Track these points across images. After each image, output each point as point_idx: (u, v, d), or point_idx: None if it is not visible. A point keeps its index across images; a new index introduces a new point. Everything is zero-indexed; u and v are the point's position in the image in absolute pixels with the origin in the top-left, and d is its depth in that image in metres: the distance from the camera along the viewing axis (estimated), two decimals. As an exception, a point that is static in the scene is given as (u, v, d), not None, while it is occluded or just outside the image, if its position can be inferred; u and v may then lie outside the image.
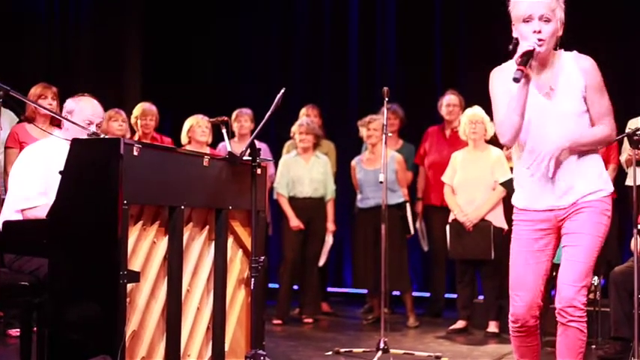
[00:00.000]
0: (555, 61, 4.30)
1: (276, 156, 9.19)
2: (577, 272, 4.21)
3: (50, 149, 5.30)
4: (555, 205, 4.29)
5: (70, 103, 5.53)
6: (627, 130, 6.71)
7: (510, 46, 4.31)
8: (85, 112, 5.43)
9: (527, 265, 4.33)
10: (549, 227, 4.34)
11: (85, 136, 5.14)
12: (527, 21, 4.21)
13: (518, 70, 4.08)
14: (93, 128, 5.35)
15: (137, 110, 8.54)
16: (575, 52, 4.36)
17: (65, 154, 5.18)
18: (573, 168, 4.28)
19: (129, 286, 4.52)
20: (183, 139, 8.39)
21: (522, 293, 4.33)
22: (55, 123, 7.09)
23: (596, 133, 4.29)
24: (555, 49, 4.31)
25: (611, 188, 4.35)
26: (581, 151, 4.27)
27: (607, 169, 7.84)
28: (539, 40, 4.18)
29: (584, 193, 4.27)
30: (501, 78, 4.33)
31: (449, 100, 8.83)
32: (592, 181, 4.29)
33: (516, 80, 4.08)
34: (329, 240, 8.85)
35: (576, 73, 4.28)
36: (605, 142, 4.45)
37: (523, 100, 4.20)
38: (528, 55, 4.13)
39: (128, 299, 4.55)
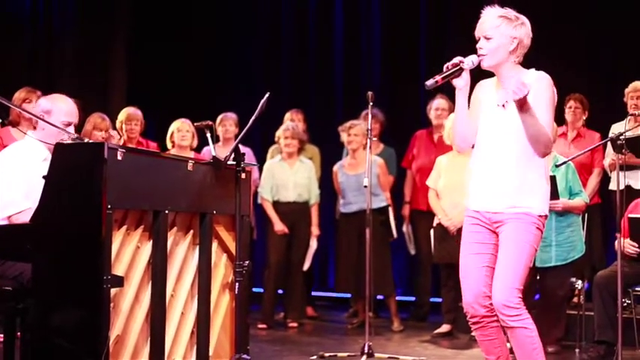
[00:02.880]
0: (514, 76, 4.48)
1: (261, 160, 9.18)
2: (508, 276, 4.43)
3: (27, 151, 5.25)
4: (492, 209, 4.54)
5: (45, 103, 5.40)
6: (611, 135, 6.76)
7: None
8: (62, 113, 5.33)
9: (467, 256, 4.62)
10: (487, 227, 4.58)
11: (66, 138, 5.11)
12: (477, 41, 4.57)
13: (433, 78, 4.47)
14: (71, 129, 5.31)
15: (122, 115, 8.48)
16: (541, 72, 4.58)
17: (41, 155, 5.16)
18: (520, 180, 4.50)
19: (113, 290, 4.50)
20: (168, 143, 8.40)
21: (467, 282, 4.59)
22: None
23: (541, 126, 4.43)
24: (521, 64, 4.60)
25: (546, 211, 4.57)
26: (529, 166, 4.50)
27: (591, 174, 8.03)
28: (479, 55, 4.53)
29: (521, 206, 4.49)
30: (476, 93, 4.70)
31: (438, 104, 8.78)
32: (532, 198, 4.52)
33: (425, 86, 4.47)
34: (313, 244, 8.85)
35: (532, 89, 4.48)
36: (543, 142, 4.44)
37: (459, 110, 4.60)
38: (454, 68, 4.49)
39: (112, 304, 4.54)
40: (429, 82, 4.43)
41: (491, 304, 4.50)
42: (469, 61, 4.51)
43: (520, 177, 4.48)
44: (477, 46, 4.55)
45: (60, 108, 5.36)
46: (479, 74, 4.67)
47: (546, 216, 4.58)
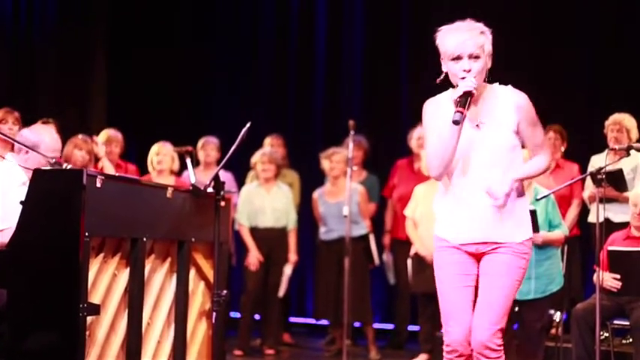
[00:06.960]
0: (487, 94, 4.31)
1: (241, 185, 9.14)
2: (494, 315, 4.20)
3: (4, 174, 5.20)
4: (480, 239, 4.27)
5: (30, 136, 5.36)
6: (590, 169, 6.76)
7: (438, 81, 4.34)
8: (49, 150, 5.29)
9: (457, 289, 4.27)
10: (470, 256, 4.30)
11: (48, 166, 5.08)
12: (457, 60, 4.23)
13: (457, 112, 4.09)
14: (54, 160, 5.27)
15: (102, 137, 8.40)
16: (509, 86, 4.36)
17: (20, 179, 5.13)
18: (507, 206, 4.24)
19: (89, 318, 4.48)
20: (149, 166, 8.37)
21: (457, 319, 4.26)
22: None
23: (536, 164, 4.36)
24: (486, 81, 4.30)
25: (531, 233, 4.36)
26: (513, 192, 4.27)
27: (571, 205, 8.03)
28: (470, 78, 4.17)
29: (511, 235, 4.27)
30: (434, 111, 4.34)
31: (420, 133, 8.73)
32: (517, 223, 4.30)
33: (456, 123, 4.08)
34: (287, 271, 8.79)
35: (510, 108, 4.28)
36: (545, 171, 4.48)
37: (457, 138, 4.19)
38: (467, 97, 4.12)
39: (88, 332, 4.51)
40: (457, 118, 4.07)
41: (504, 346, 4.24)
42: (473, 86, 4.15)
43: (512, 206, 4.25)
44: (464, 67, 4.19)
45: (46, 144, 5.33)
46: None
47: (531, 239, 4.38)
